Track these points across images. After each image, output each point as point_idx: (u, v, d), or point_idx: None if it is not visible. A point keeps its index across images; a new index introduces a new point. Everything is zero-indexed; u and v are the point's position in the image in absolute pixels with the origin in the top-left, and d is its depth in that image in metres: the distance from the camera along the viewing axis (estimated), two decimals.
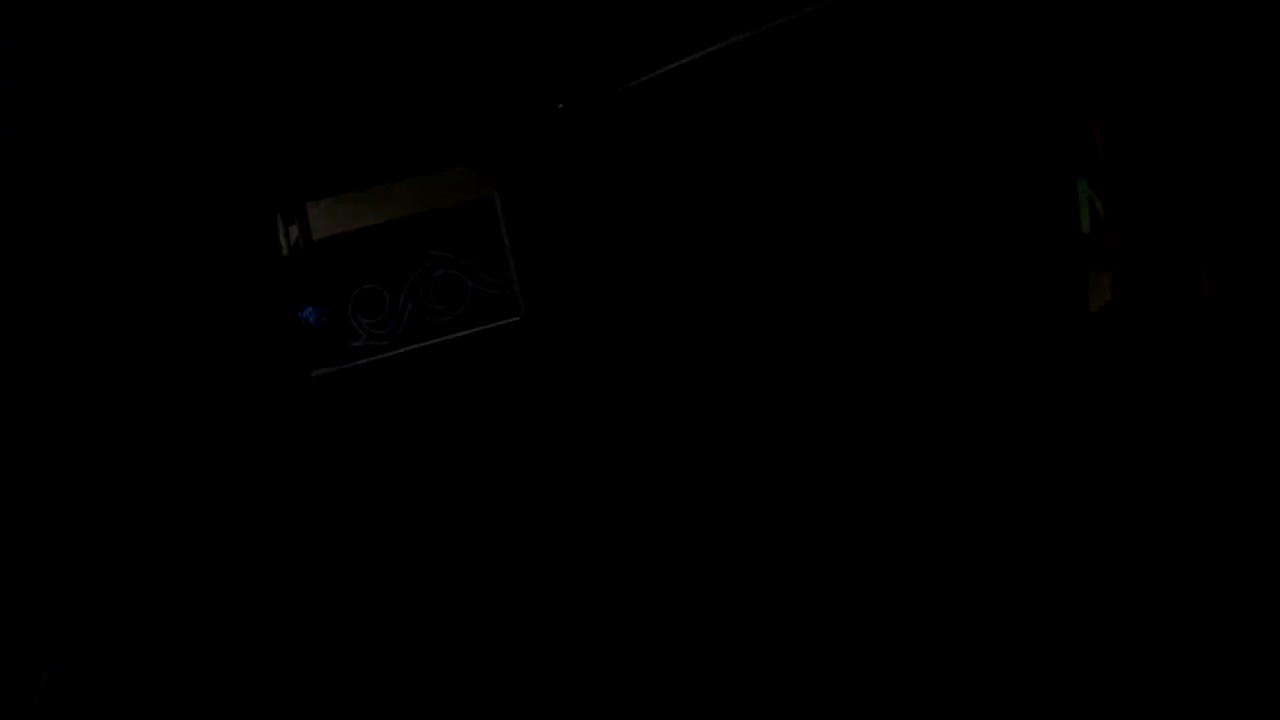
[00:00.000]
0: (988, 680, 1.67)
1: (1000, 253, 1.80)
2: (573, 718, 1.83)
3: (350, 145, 2.27)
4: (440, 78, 2.26)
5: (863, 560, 1.94)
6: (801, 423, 2.06)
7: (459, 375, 2.16)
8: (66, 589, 1.88)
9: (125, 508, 1.99)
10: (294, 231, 2.42)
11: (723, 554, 2.08)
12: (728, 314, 2.16)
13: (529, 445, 2.15)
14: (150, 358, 2.10)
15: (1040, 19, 1.71)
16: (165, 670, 1.88)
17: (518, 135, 2.26)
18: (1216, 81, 1.49)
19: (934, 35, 1.84)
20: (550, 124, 2.27)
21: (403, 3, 2.28)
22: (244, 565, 2.02)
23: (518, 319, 2.21)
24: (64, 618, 1.86)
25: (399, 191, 2.39)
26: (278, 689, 1.92)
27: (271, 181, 2.26)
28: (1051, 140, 1.70)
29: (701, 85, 2.16)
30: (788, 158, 2.05)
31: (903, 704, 1.72)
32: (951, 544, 1.83)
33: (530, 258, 2.26)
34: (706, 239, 2.18)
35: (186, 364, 2.08)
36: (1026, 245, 1.76)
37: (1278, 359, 1.43)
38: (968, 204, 1.83)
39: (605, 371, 2.22)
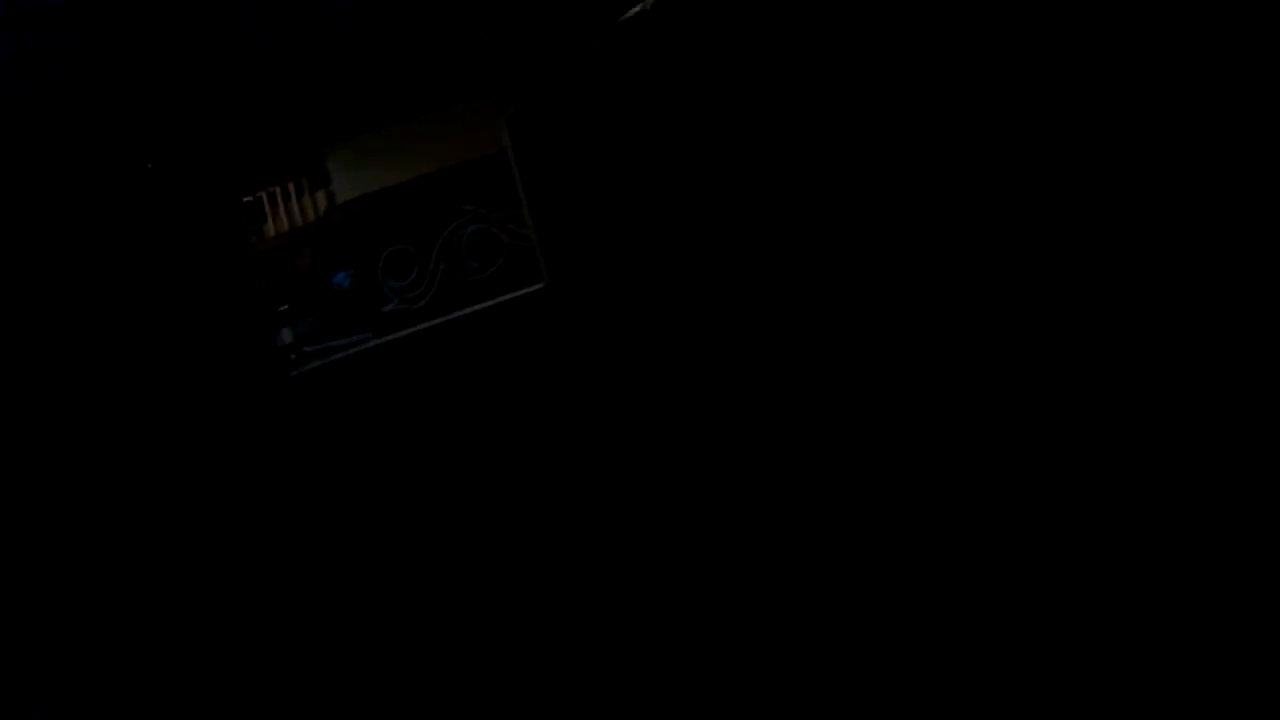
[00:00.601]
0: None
1: None
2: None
3: (350, 85, 2.03)
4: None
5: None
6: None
7: (469, 359, 1.93)
8: (61, 591, 1.90)
9: (108, 509, 1.96)
10: (320, 197, 2.29)
11: (772, 550, 1.77)
12: (788, 274, 1.77)
13: (546, 436, 1.90)
14: (121, 357, 2.02)
15: None
16: (155, 671, 1.87)
17: (524, 60, 1.91)
18: None
19: None
20: (564, 44, 1.90)
21: None
22: (233, 567, 1.94)
23: (540, 286, 1.93)
24: (61, 619, 1.88)
25: (423, 149, 2.16)
26: (268, 691, 1.86)
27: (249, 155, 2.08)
28: None
29: None
30: (876, 77, 1.59)
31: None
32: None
33: (551, 211, 1.94)
34: (766, 176, 1.77)
35: (160, 365, 1.98)
36: None
37: None
38: None
39: (644, 347, 1.90)
